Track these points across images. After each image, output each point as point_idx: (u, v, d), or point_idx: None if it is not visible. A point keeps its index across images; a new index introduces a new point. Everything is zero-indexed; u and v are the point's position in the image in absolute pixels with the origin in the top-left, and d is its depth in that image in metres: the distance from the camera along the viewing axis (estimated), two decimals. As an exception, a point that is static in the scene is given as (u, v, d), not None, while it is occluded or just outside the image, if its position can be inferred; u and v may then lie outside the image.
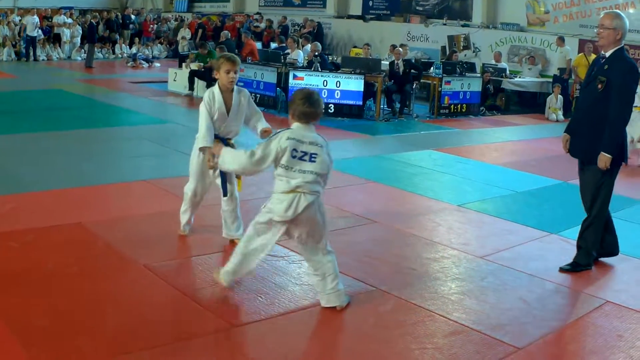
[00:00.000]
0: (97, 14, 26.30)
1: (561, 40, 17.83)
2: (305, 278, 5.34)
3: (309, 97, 4.59)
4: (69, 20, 25.27)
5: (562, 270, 5.83)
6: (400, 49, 15.77)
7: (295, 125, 4.60)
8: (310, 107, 4.56)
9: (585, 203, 5.90)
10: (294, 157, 4.49)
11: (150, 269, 5.29)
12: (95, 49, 23.58)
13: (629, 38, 16.31)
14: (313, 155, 4.53)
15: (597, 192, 5.76)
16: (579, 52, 17.33)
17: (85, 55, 23.33)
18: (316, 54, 15.26)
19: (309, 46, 16.47)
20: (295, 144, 4.50)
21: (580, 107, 6.18)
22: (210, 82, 15.84)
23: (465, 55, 19.86)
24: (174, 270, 5.33)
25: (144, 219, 6.65)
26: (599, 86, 5.60)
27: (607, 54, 5.67)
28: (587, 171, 5.82)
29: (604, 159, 5.57)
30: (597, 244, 5.93)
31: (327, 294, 4.78)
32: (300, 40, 17.08)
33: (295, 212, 4.49)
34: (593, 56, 16.55)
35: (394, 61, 15.44)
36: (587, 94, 5.88)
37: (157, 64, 24.24)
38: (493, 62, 18.54)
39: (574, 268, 5.86)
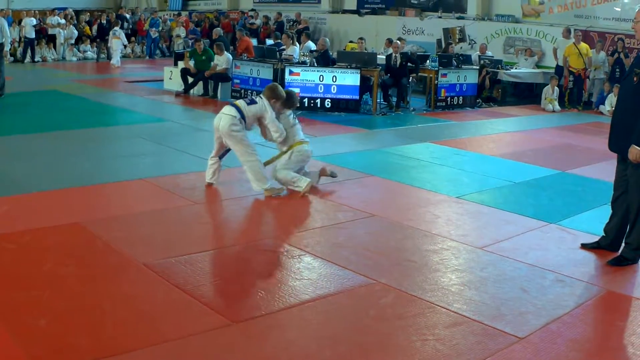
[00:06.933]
0: (90, 14, 25.99)
1: (567, 31, 17.49)
2: (305, 273, 5.34)
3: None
4: (62, 21, 25.09)
5: (608, 264, 5.76)
6: (398, 42, 15.71)
7: None
8: None
9: (632, 203, 5.77)
10: None
11: (150, 267, 5.25)
12: (89, 49, 23.56)
13: (626, 27, 16.37)
14: None
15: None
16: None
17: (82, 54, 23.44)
18: (321, 51, 15.02)
19: (310, 42, 16.32)
20: None
21: (618, 100, 6.06)
22: (204, 81, 15.75)
23: (461, 47, 19.84)
24: (174, 268, 5.27)
25: (143, 217, 6.61)
26: (635, 79, 5.56)
27: None
28: (630, 168, 5.69)
29: (634, 152, 5.48)
30: None
31: None
32: (301, 36, 16.96)
33: None
34: (583, 45, 16.61)
35: (391, 54, 15.34)
36: (624, 88, 5.88)
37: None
38: (489, 54, 18.49)
39: (620, 262, 5.77)
